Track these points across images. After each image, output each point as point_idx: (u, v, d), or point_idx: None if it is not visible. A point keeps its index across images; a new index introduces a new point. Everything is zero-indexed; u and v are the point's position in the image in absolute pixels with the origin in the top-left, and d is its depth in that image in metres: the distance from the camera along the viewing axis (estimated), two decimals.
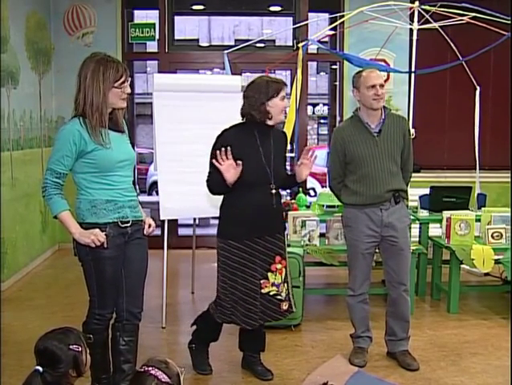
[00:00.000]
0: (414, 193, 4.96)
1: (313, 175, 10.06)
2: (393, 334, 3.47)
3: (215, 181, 2.97)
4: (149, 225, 2.81)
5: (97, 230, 2.56)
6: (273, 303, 3.06)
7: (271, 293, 3.05)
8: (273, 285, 3.05)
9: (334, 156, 3.41)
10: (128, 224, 2.68)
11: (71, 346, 2.04)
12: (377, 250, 3.45)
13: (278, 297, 3.07)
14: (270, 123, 3.00)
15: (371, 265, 3.43)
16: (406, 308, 3.41)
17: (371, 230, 3.29)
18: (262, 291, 3.03)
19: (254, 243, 2.99)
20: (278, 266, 3.06)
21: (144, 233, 2.79)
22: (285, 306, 3.10)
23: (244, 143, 2.97)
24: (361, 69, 3.44)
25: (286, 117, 5.45)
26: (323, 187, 9.53)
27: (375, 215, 3.28)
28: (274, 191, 3.00)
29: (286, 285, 3.10)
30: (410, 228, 4.68)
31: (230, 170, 2.86)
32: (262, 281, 3.02)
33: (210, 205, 3.86)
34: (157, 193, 4.69)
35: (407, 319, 3.44)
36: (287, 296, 3.11)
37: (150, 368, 1.85)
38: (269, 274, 3.03)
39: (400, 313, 3.41)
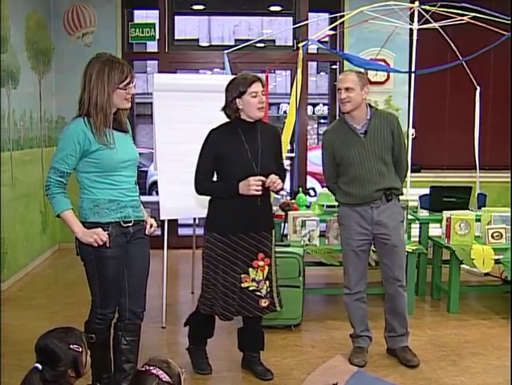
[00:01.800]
0: (414, 193, 4.97)
1: (313, 175, 10.04)
2: (393, 330, 3.50)
3: (211, 187, 3.09)
4: (151, 225, 2.82)
5: (99, 229, 2.57)
6: (251, 298, 3.09)
7: (250, 289, 3.09)
8: (253, 280, 3.08)
9: (326, 159, 3.46)
10: (130, 224, 2.69)
11: (71, 346, 2.04)
12: (374, 249, 3.48)
13: (258, 293, 3.10)
14: (247, 119, 3.03)
15: (366, 264, 3.46)
16: (403, 304, 3.44)
17: (363, 228, 3.34)
18: (242, 285, 3.08)
19: (238, 238, 3.04)
20: (261, 263, 3.09)
21: (146, 232, 2.80)
22: (264, 303, 3.11)
23: (229, 141, 3.02)
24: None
25: (287, 116, 5.46)
26: (323, 187, 9.51)
27: (366, 213, 3.32)
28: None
29: (268, 282, 3.12)
30: (410, 225, 4.74)
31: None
32: (242, 276, 3.07)
33: None
34: (157, 193, 4.69)
35: (404, 315, 3.47)
36: (269, 293, 3.13)
37: (151, 367, 1.86)
38: (250, 270, 3.07)
39: (397, 309, 3.45)
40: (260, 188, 2.93)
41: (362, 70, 6.02)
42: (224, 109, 3.06)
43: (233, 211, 3.02)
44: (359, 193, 3.30)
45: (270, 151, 3.08)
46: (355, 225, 3.34)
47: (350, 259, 3.41)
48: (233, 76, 3.12)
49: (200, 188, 3.09)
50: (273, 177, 2.96)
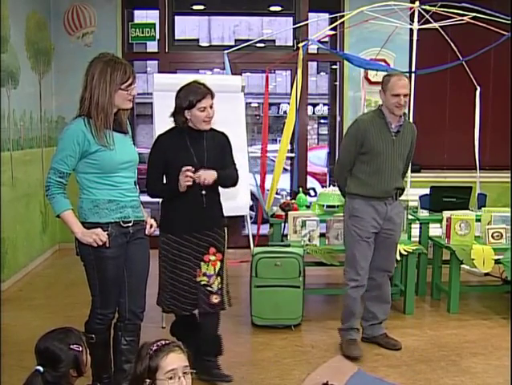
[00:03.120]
0: (414, 193, 4.97)
1: (313, 175, 10.05)
2: (374, 318, 3.66)
3: (160, 189, 3.10)
4: (151, 225, 2.82)
5: (99, 230, 2.57)
6: (203, 293, 3.09)
7: (202, 283, 3.09)
8: (204, 274, 3.09)
9: (350, 144, 3.50)
10: (130, 224, 2.69)
11: (71, 346, 2.04)
12: None
13: (208, 288, 3.10)
14: (194, 127, 3.04)
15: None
16: (388, 290, 3.69)
17: (375, 221, 3.47)
18: (197, 279, 3.09)
19: (192, 237, 3.06)
20: (212, 258, 3.10)
21: (146, 233, 2.80)
22: (215, 300, 3.11)
23: (176, 146, 3.05)
24: (392, 73, 3.59)
25: (287, 116, 5.45)
26: (323, 187, 9.52)
27: (381, 208, 3.46)
28: (204, 192, 3.01)
29: (219, 278, 3.13)
30: (410, 225, 4.76)
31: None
32: (197, 271, 3.09)
33: None
34: None
35: (389, 301, 3.70)
36: (220, 290, 3.13)
37: (164, 341, 1.93)
38: (201, 264, 3.08)
39: (383, 295, 3.65)
40: (190, 179, 2.90)
41: (362, 70, 6.06)
42: (173, 115, 3.08)
43: (183, 212, 3.05)
44: (379, 186, 3.43)
45: (217, 155, 3.09)
46: (369, 218, 3.46)
47: (362, 250, 3.48)
48: (187, 82, 3.08)
49: (150, 191, 3.11)
50: (201, 173, 2.93)
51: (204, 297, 3.09)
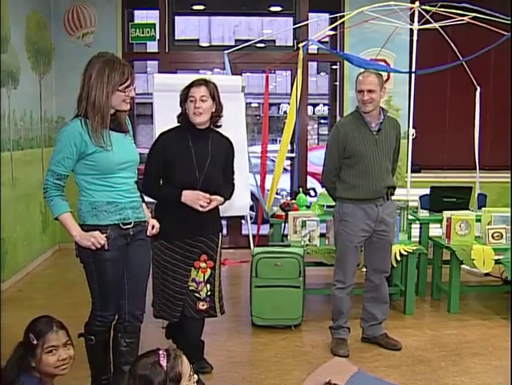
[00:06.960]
0: (414, 193, 4.98)
1: (313, 175, 10.05)
2: (373, 318, 3.66)
3: (158, 191, 3.03)
4: (152, 226, 2.79)
5: (97, 233, 2.53)
6: (190, 298, 3.07)
7: (190, 288, 3.07)
8: (193, 280, 3.07)
9: (333, 150, 3.50)
10: (130, 226, 2.65)
11: (30, 334, 2.15)
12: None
13: (196, 294, 3.08)
14: (195, 125, 3.00)
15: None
16: (386, 290, 3.68)
17: (367, 225, 3.45)
18: (186, 285, 3.06)
19: (184, 243, 3.01)
20: (202, 265, 3.07)
21: (147, 233, 2.77)
22: (202, 306, 3.08)
23: (177, 145, 2.99)
24: (365, 70, 3.54)
25: (287, 116, 5.45)
26: (323, 187, 9.50)
27: (371, 210, 3.44)
28: None
29: (209, 286, 3.09)
30: (410, 225, 4.76)
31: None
32: (187, 277, 3.05)
33: None
34: None
35: (388, 301, 3.70)
36: (209, 297, 3.10)
37: (162, 350, 1.84)
38: (191, 269, 3.05)
39: (382, 296, 3.64)
40: (206, 205, 2.91)
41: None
42: (178, 116, 3.07)
43: (179, 218, 2.98)
44: (368, 187, 3.40)
45: (220, 163, 3.03)
46: (359, 222, 3.44)
47: (350, 255, 3.50)
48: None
49: (146, 190, 2.98)
50: (213, 199, 2.94)
51: (191, 302, 3.07)
